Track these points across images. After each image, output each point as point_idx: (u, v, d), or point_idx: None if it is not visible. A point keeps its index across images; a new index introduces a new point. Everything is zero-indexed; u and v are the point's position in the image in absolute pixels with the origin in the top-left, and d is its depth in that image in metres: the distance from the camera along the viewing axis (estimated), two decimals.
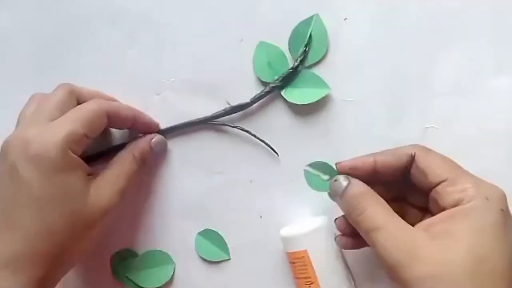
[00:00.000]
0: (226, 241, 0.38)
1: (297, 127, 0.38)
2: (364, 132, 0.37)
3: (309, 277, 0.33)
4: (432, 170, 0.30)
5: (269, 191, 0.38)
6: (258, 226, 0.38)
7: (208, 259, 0.39)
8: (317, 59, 0.37)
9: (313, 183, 0.33)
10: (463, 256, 0.26)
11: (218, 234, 0.38)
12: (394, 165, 0.31)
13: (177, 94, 0.39)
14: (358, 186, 0.30)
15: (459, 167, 0.30)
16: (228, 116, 0.38)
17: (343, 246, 0.33)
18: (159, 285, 0.39)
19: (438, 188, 0.29)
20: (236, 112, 0.38)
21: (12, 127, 0.41)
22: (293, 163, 0.37)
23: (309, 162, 0.33)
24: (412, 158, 0.30)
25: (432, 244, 0.27)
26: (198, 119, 0.38)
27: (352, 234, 0.32)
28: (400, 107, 0.37)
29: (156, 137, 0.38)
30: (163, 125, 0.39)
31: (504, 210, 0.27)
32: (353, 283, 0.36)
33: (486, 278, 0.26)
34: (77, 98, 0.35)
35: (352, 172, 0.31)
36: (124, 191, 0.35)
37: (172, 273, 0.39)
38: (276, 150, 0.38)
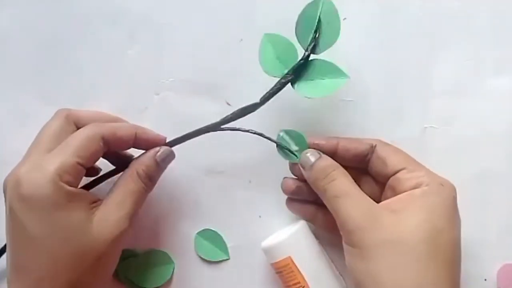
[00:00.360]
0: (226, 241, 0.38)
1: (304, 127, 0.37)
2: (363, 132, 0.37)
3: (299, 282, 0.33)
4: (391, 159, 0.32)
5: (268, 191, 0.38)
6: (257, 226, 0.38)
7: (208, 259, 0.39)
8: (330, 45, 0.33)
9: (282, 151, 0.34)
10: (419, 227, 0.29)
11: (218, 234, 0.38)
12: (354, 151, 0.33)
13: (177, 94, 0.39)
14: (329, 159, 0.33)
15: (414, 159, 0.33)
16: (235, 119, 0.35)
17: (289, 207, 0.36)
18: (159, 284, 0.39)
19: (398, 175, 0.32)
20: (246, 115, 0.35)
21: (12, 127, 0.41)
22: None
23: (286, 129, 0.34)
24: (373, 148, 0.33)
25: (392, 215, 0.30)
26: (207, 126, 0.35)
27: (300, 200, 0.36)
28: (400, 107, 0.37)
29: (162, 150, 0.34)
30: (163, 125, 0.39)
31: (455, 197, 0.31)
32: (341, 277, 0.36)
33: (440, 248, 0.29)
34: (75, 123, 0.33)
35: (315, 148, 0.33)
36: (133, 214, 0.32)
37: (171, 273, 0.39)
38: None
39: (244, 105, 0.35)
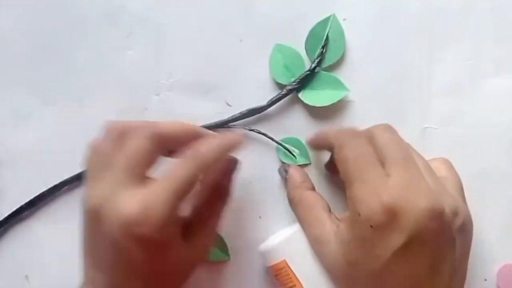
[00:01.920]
0: (226, 241, 0.38)
1: (307, 130, 0.37)
2: None
3: (295, 285, 0.34)
4: (339, 166, 0.30)
5: (269, 192, 0.38)
6: (257, 227, 0.38)
7: (208, 259, 0.39)
8: (334, 60, 0.37)
9: (282, 152, 0.37)
10: (336, 261, 0.30)
11: (218, 235, 0.38)
12: (323, 146, 0.34)
13: (177, 94, 0.39)
14: (294, 183, 0.35)
15: (360, 169, 0.29)
16: (242, 119, 0.38)
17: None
18: None
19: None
20: (252, 116, 0.38)
21: (12, 127, 0.41)
22: None
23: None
24: (333, 148, 0.31)
25: (329, 246, 0.31)
26: (214, 122, 0.38)
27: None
28: (399, 107, 0.37)
29: (232, 163, 0.35)
30: None
31: (374, 226, 0.27)
32: None
33: (356, 282, 0.30)
34: (163, 146, 0.31)
35: (315, 148, 0.36)
36: (217, 234, 0.36)
37: None
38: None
39: (244, 105, 0.38)
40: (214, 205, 0.34)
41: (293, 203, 0.35)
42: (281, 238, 0.35)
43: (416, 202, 0.27)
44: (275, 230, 0.37)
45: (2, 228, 0.40)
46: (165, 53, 0.39)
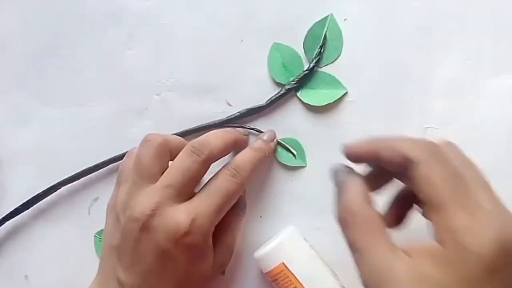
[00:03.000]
0: None
1: (305, 129, 0.38)
2: (363, 133, 0.37)
3: (296, 287, 0.34)
4: (422, 187, 0.25)
5: (269, 191, 0.38)
6: (257, 226, 0.38)
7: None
8: (332, 60, 0.37)
9: (281, 155, 0.37)
10: None
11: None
12: (394, 163, 0.26)
13: (177, 94, 0.39)
14: (349, 200, 0.27)
15: (457, 194, 0.24)
16: (241, 118, 0.38)
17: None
18: None
19: (429, 213, 0.24)
20: (251, 115, 0.38)
21: (12, 127, 0.41)
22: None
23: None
24: (408, 163, 0.25)
25: (408, 280, 0.23)
26: (213, 121, 0.38)
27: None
28: (400, 107, 0.37)
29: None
30: (163, 126, 0.39)
31: (490, 268, 0.22)
32: (336, 276, 0.36)
33: None
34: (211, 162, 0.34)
35: (358, 161, 0.29)
36: (235, 244, 0.36)
37: None
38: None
39: (245, 104, 0.38)
40: (235, 222, 0.36)
41: (348, 216, 0.26)
42: (276, 241, 0.35)
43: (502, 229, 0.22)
44: (275, 231, 0.37)
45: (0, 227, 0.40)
46: (166, 53, 0.39)
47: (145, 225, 0.31)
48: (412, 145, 0.26)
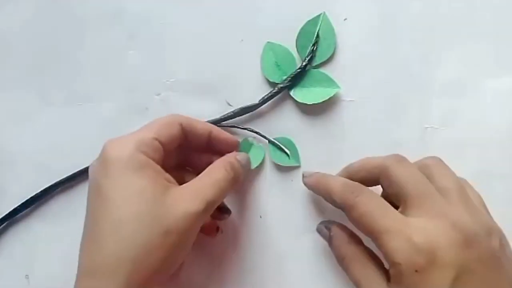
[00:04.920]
0: (226, 241, 0.38)
1: (306, 128, 0.38)
2: (364, 132, 0.37)
3: None
4: (359, 226, 0.30)
5: (269, 191, 0.38)
6: (257, 226, 0.38)
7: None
8: (325, 58, 0.37)
9: (275, 155, 0.37)
10: None
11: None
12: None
13: (178, 94, 0.39)
14: (339, 239, 0.33)
15: (379, 222, 0.29)
16: (235, 117, 0.38)
17: None
18: None
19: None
20: (245, 114, 0.38)
21: (12, 127, 0.41)
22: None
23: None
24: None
25: None
26: (207, 121, 0.37)
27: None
28: (400, 107, 0.37)
29: (240, 154, 0.35)
30: None
31: (419, 270, 0.27)
32: None
33: None
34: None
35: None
36: (211, 202, 0.30)
37: None
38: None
39: (244, 104, 0.38)
40: (217, 175, 0.32)
41: (345, 261, 0.32)
42: None
43: (449, 234, 0.27)
44: (275, 230, 0.37)
45: (0, 227, 0.40)
46: (166, 53, 0.39)
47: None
48: (340, 191, 0.32)
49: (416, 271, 0.27)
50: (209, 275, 0.39)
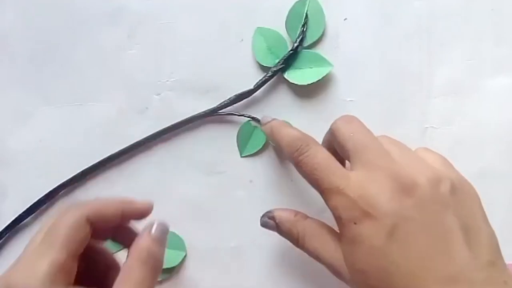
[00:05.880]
0: (226, 241, 0.38)
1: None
2: None
3: None
4: (306, 179, 0.31)
5: (268, 191, 0.38)
6: (257, 226, 0.38)
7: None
8: (316, 38, 0.37)
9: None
10: (353, 276, 0.29)
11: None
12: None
13: (177, 94, 0.39)
14: (286, 221, 0.33)
15: (321, 180, 0.30)
16: (232, 107, 0.38)
17: None
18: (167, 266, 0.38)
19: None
20: (241, 101, 0.38)
21: (12, 127, 0.41)
22: None
23: None
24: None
25: (341, 265, 0.30)
26: (204, 111, 0.38)
27: None
28: (400, 107, 0.37)
29: (155, 226, 0.30)
30: (163, 125, 0.39)
31: (357, 223, 0.28)
32: None
33: (373, 282, 0.28)
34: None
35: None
36: None
37: (180, 260, 0.38)
38: None
39: (239, 91, 0.38)
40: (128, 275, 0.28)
41: (300, 239, 0.32)
42: None
43: (384, 185, 0.28)
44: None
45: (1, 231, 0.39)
46: (166, 52, 0.39)
47: None
48: (289, 145, 0.32)
49: (355, 223, 0.28)
50: (209, 274, 0.39)
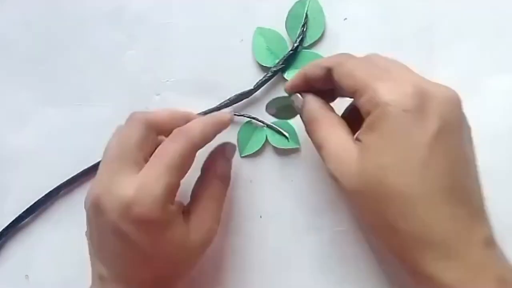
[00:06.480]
0: (226, 242, 0.38)
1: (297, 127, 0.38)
2: None
3: None
4: (344, 82, 0.29)
5: (268, 191, 0.38)
6: (257, 226, 0.38)
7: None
8: (316, 38, 0.38)
9: (275, 139, 0.37)
10: (365, 169, 0.27)
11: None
12: (320, 77, 0.31)
13: (177, 94, 0.39)
14: (310, 110, 0.31)
15: (372, 73, 0.28)
16: (232, 107, 0.38)
17: None
18: None
19: (354, 100, 0.28)
20: (241, 101, 0.38)
21: (11, 126, 0.41)
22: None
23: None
24: (329, 71, 0.30)
25: (359, 157, 0.27)
26: (203, 111, 0.38)
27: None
28: None
29: (228, 148, 0.36)
30: None
31: (408, 110, 0.25)
32: None
33: (390, 186, 0.26)
34: (155, 130, 0.33)
35: (296, 90, 0.33)
36: (220, 217, 0.34)
37: None
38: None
39: (239, 91, 0.38)
40: (214, 190, 0.34)
41: (313, 123, 0.31)
42: None
43: (442, 89, 0.27)
44: (275, 230, 0.37)
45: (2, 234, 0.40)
46: (166, 53, 0.39)
47: (97, 209, 0.29)
48: (327, 58, 0.31)
49: (404, 111, 0.25)
50: (209, 275, 0.39)
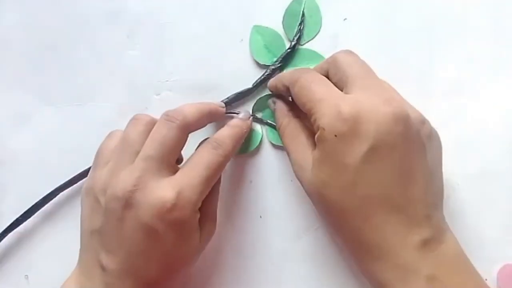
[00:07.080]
0: (225, 242, 0.38)
1: None
2: None
3: None
4: (297, 101, 0.32)
5: (268, 191, 0.38)
6: (257, 226, 0.38)
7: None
8: (313, 36, 0.38)
9: (273, 136, 0.38)
10: (314, 181, 0.30)
11: None
12: (285, 91, 0.34)
13: (177, 94, 0.39)
14: (278, 120, 0.36)
15: (319, 91, 0.30)
16: (231, 106, 0.38)
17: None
18: None
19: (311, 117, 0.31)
20: (239, 100, 0.38)
21: (12, 127, 0.41)
22: None
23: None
24: (288, 88, 0.33)
25: (312, 168, 0.30)
26: None
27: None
28: None
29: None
30: None
31: (338, 136, 0.28)
32: None
33: (331, 198, 0.29)
34: (189, 131, 0.33)
35: (275, 91, 0.37)
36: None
37: None
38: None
39: (238, 90, 0.38)
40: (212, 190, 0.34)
41: (281, 129, 0.35)
42: None
43: (378, 108, 0.28)
44: (276, 230, 0.37)
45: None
46: (166, 53, 0.39)
47: (128, 203, 0.30)
48: (290, 72, 0.34)
49: (336, 136, 0.28)
50: (209, 275, 0.39)
